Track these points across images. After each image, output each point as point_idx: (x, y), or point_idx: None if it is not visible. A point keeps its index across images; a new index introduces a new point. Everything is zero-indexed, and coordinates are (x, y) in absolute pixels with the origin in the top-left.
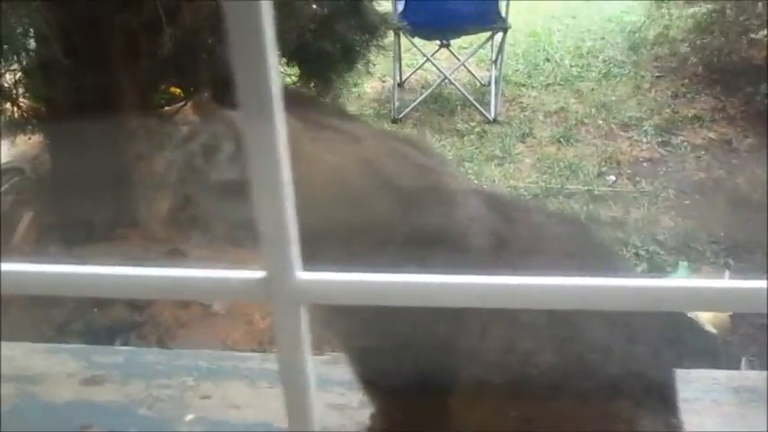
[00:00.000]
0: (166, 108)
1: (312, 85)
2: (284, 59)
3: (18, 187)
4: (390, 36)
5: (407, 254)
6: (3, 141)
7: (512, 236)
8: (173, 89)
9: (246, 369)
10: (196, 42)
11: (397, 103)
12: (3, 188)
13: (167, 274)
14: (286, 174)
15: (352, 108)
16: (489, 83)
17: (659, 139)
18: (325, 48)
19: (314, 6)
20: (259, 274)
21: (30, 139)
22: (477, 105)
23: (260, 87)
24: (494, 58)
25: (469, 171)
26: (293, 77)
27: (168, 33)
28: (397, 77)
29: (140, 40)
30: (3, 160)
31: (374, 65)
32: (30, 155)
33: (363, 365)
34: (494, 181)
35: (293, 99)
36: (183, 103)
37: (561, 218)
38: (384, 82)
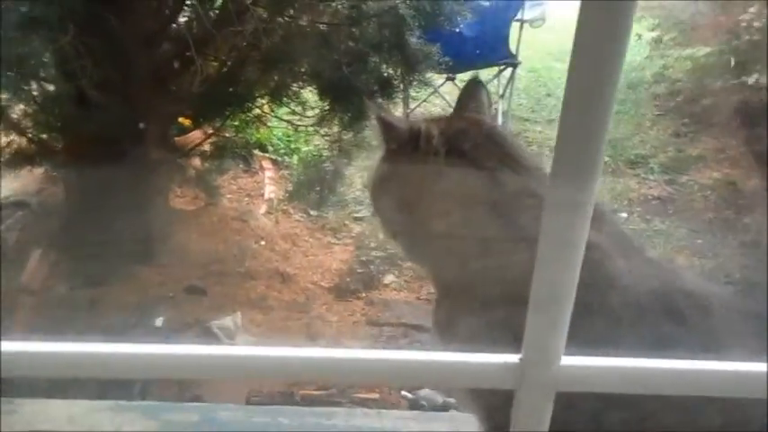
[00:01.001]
0: (177, 139)
1: (341, 117)
2: (317, 91)
3: (23, 222)
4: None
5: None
6: (5, 174)
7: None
8: (181, 119)
9: (332, 426)
10: (229, 75)
11: None
12: (7, 223)
13: (382, 357)
14: (582, 245)
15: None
16: (496, 116)
17: (666, 178)
18: (359, 82)
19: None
20: (512, 358)
21: (31, 170)
22: None
23: (588, 158)
24: (501, 93)
25: None
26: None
27: (199, 66)
28: (404, 110)
29: (169, 74)
30: (4, 194)
31: (414, 99)
32: (33, 188)
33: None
34: None
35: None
36: (193, 132)
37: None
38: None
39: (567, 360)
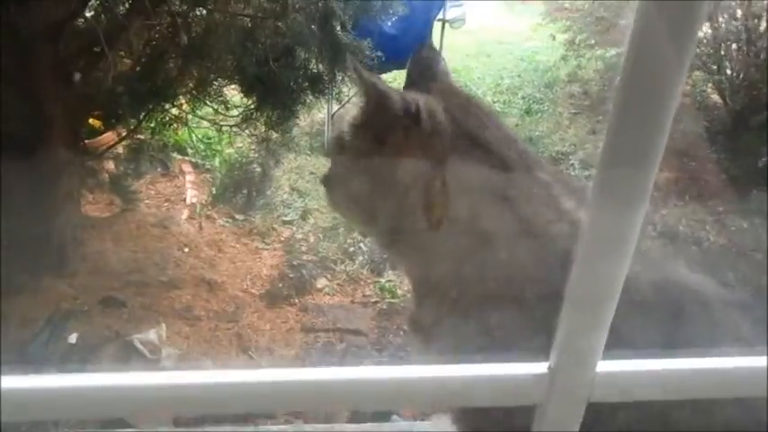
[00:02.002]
0: (87, 141)
1: (268, 115)
2: (241, 89)
3: None
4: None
5: None
6: None
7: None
8: (92, 121)
9: None
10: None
11: (331, 136)
12: None
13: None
14: (633, 241)
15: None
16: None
17: (586, 173)
18: (287, 78)
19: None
20: (539, 368)
21: None
22: None
23: (647, 143)
24: None
25: None
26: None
27: (111, 62)
28: (328, 108)
29: (76, 69)
30: None
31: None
32: None
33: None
34: None
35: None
36: (105, 135)
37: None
38: (312, 115)
39: (604, 366)
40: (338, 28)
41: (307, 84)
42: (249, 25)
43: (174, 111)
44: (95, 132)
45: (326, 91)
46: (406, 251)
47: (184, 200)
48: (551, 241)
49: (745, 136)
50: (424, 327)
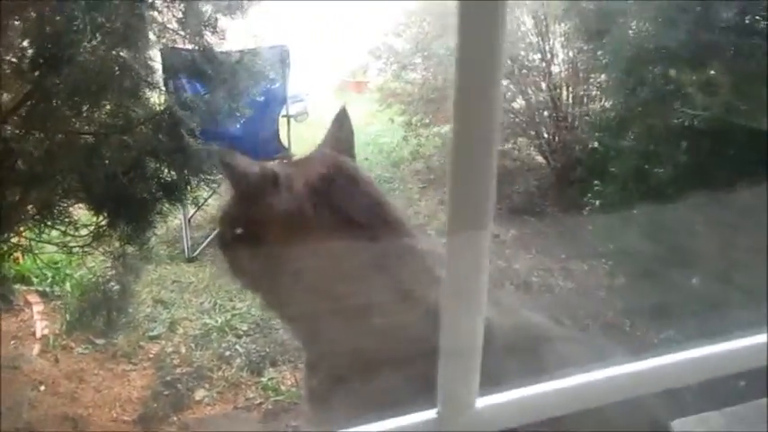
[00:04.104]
0: None
1: (123, 229)
2: (90, 206)
3: None
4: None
5: None
6: None
7: None
8: None
9: None
10: None
11: (189, 242)
12: None
13: None
14: (484, 291)
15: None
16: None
17: (443, 241)
18: (139, 190)
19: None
20: (428, 414)
21: None
22: None
23: (481, 203)
24: None
25: None
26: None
27: None
28: (187, 215)
29: None
30: None
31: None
32: None
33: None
34: None
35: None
36: None
37: None
38: (167, 222)
39: (482, 402)
40: (186, 135)
41: (161, 193)
42: (93, 141)
43: (15, 240)
44: None
45: (182, 197)
46: (289, 317)
47: (34, 333)
48: (428, 304)
49: (568, 190)
50: (315, 396)
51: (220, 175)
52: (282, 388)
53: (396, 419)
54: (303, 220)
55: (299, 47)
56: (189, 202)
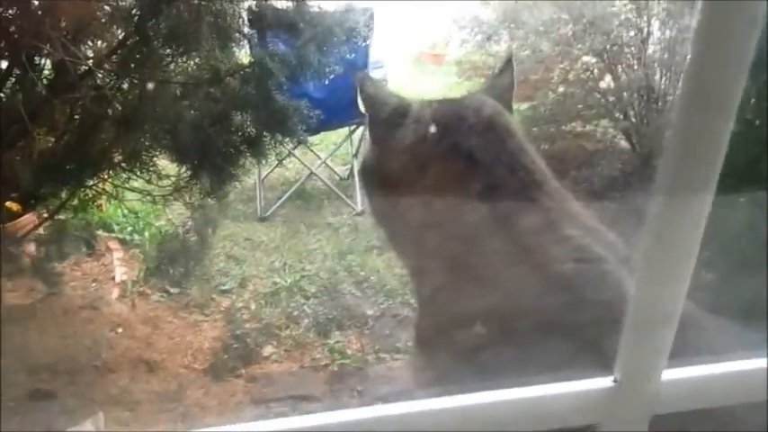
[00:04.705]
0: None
1: (204, 182)
2: (174, 157)
3: None
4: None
5: None
6: None
7: None
8: (8, 204)
9: None
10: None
11: (262, 202)
12: None
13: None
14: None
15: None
16: (350, 176)
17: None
18: (224, 142)
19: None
20: (604, 382)
21: None
22: (345, 198)
23: (709, 166)
24: (355, 152)
25: (353, 263)
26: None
27: (33, 139)
28: (261, 174)
29: None
30: None
31: (279, 161)
32: None
33: None
34: (378, 271)
35: None
36: (24, 217)
37: None
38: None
39: (669, 374)
40: (273, 89)
41: (245, 146)
42: (181, 91)
43: (100, 185)
44: (13, 215)
45: (265, 152)
46: (405, 251)
47: (113, 278)
48: (548, 262)
49: (654, 176)
50: (424, 340)
51: (303, 134)
52: (348, 352)
53: (568, 383)
54: (423, 156)
55: (381, 11)
56: (272, 157)
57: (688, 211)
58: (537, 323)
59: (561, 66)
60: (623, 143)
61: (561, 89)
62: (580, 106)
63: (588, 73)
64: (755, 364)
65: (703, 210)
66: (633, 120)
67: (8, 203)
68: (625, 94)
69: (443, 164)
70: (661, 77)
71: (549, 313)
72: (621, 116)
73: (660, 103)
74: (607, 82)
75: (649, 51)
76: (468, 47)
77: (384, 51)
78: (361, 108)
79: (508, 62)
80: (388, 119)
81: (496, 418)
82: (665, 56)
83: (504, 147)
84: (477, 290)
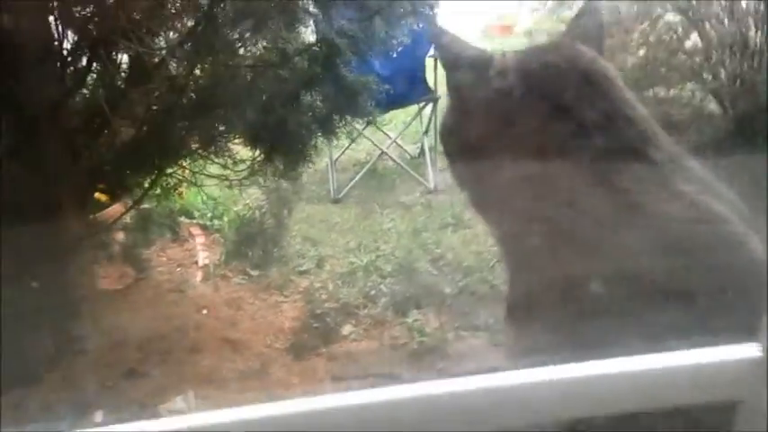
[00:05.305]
0: (95, 215)
1: (277, 164)
2: (248, 140)
3: None
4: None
5: None
6: None
7: None
8: (97, 195)
9: None
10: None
11: (335, 184)
12: None
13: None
14: None
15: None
16: (421, 153)
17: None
18: (295, 122)
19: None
20: (750, 351)
21: None
22: (417, 176)
23: None
24: (425, 129)
25: (428, 241)
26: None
27: (116, 130)
28: (332, 156)
29: (81, 142)
30: None
31: (352, 140)
32: None
33: None
34: (454, 248)
35: None
36: (112, 207)
37: None
38: (314, 163)
39: None
40: (343, 66)
41: (316, 125)
42: (252, 75)
43: (180, 173)
44: (102, 206)
45: (336, 131)
46: (490, 215)
47: (197, 262)
48: (662, 221)
49: (750, 141)
50: (516, 310)
51: (372, 111)
52: (427, 330)
53: (705, 351)
54: (509, 108)
55: None
56: (342, 138)
57: None
58: (647, 289)
59: (641, 26)
60: (713, 106)
61: (641, 52)
62: (663, 69)
63: (672, 33)
64: None
65: None
66: (724, 80)
67: (97, 194)
68: (714, 52)
69: (532, 118)
70: (756, 32)
71: (662, 279)
72: (711, 77)
73: (756, 60)
74: (693, 41)
75: (742, 4)
76: (537, 15)
77: (450, 25)
78: (430, 84)
79: (588, 4)
80: (468, 73)
81: (608, 391)
82: (761, 7)
83: (601, 96)
84: (576, 254)
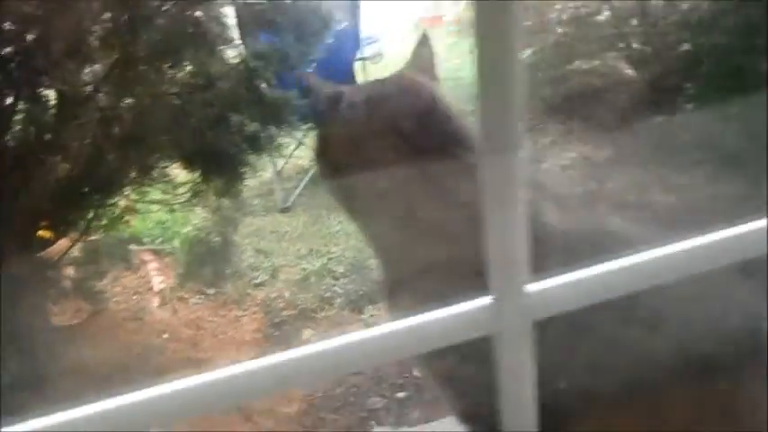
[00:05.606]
0: (42, 253)
1: (216, 184)
2: (184, 165)
3: None
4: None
5: None
6: None
7: None
8: (41, 233)
9: None
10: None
11: (281, 193)
12: None
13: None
14: (522, 196)
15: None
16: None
17: (531, 168)
18: (225, 143)
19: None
20: (484, 300)
21: None
22: None
23: (506, 124)
24: None
25: None
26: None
27: (48, 168)
28: (276, 167)
29: (16, 179)
30: None
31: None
32: None
33: (461, 401)
34: None
35: None
36: (59, 242)
37: None
38: (258, 176)
39: (533, 287)
40: (263, 85)
41: (246, 144)
42: (178, 102)
43: (123, 203)
44: (47, 243)
45: (266, 147)
46: (360, 224)
47: (152, 288)
48: (472, 210)
49: (661, 99)
50: (388, 294)
51: (298, 122)
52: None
53: (450, 308)
54: (358, 133)
55: None
56: (274, 151)
57: (501, 169)
58: (462, 264)
59: (557, 7)
60: (629, 72)
61: (560, 30)
62: (581, 43)
63: (583, 9)
64: (602, 268)
65: (514, 167)
66: (635, 46)
67: (41, 232)
68: (623, 23)
69: (377, 140)
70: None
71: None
72: (624, 45)
73: (659, 25)
74: (605, 16)
75: None
76: (462, 3)
77: (379, 26)
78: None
79: (424, 35)
80: (325, 107)
81: (393, 345)
82: None
83: (427, 116)
84: (426, 243)
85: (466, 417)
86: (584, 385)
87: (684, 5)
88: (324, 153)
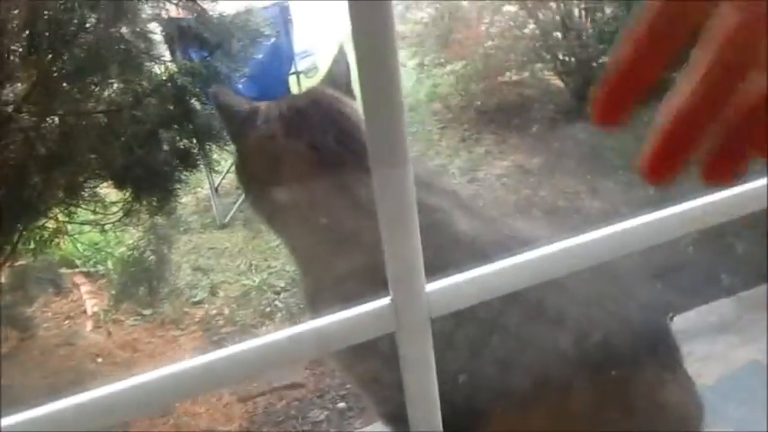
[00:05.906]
0: None
1: (148, 202)
2: (115, 183)
3: None
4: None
5: None
6: None
7: None
8: None
9: None
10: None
11: (219, 209)
12: None
13: (280, 338)
14: (413, 206)
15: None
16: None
17: (467, 177)
18: (156, 160)
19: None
20: (383, 302)
21: None
22: None
23: (393, 141)
24: None
25: None
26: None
27: None
28: (213, 183)
29: None
30: None
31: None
32: None
33: (384, 404)
34: None
35: None
36: None
37: None
38: (195, 193)
39: (431, 286)
40: (193, 101)
41: (177, 161)
42: (105, 120)
43: (51, 224)
44: None
45: (198, 164)
46: (279, 232)
47: (85, 311)
48: None
49: (587, 109)
50: (309, 299)
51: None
52: None
53: (352, 310)
54: (275, 149)
55: (301, 3)
56: (207, 167)
57: (392, 184)
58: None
59: (485, 21)
60: (557, 82)
61: (489, 42)
62: (511, 56)
63: (511, 22)
64: (490, 267)
65: (405, 182)
66: (560, 57)
67: None
68: (549, 35)
69: (293, 154)
70: (579, 12)
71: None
72: (549, 57)
73: (582, 37)
74: (531, 28)
75: None
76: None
77: (312, 40)
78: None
79: (340, 50)
80: (241, 123)
81: (304, 345)
82: None
83: (338, 128)
84: (344, 252)
85: (388, 418)
86: (493, 382)
87: (600, 17)
88: (243, 169)
